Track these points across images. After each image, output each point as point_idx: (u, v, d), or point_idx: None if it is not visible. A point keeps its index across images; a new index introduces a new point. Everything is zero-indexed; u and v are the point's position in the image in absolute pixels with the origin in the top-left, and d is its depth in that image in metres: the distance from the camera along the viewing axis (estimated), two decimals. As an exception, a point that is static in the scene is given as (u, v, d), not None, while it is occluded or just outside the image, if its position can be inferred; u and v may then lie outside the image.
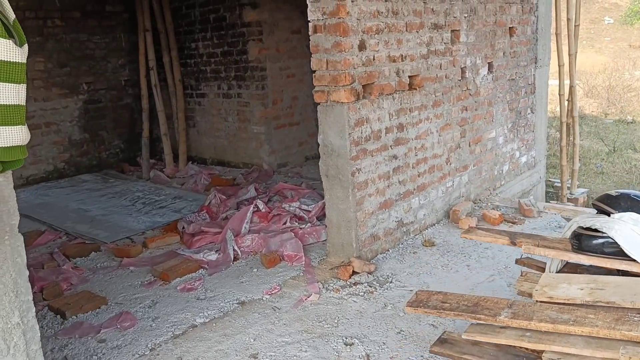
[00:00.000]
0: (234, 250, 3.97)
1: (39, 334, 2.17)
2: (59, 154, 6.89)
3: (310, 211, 4.45)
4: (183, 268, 3.74)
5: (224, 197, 5.05)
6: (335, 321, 3.02)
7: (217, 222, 4.51)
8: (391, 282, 3.47)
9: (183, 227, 4.49)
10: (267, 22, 6.42)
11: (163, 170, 6.90)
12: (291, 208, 4.50)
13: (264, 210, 4.46)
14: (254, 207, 4.44)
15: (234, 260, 3.90)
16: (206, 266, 3.81)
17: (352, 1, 3.42)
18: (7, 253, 2.02)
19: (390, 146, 3.90)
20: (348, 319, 3.04)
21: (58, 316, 3.25)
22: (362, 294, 3.31)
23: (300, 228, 4.19)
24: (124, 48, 7.39)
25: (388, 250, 3.95)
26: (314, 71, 3.59)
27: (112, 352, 2.84)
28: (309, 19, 3.54)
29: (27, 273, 2.10)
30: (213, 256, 3.91)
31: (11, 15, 1.94)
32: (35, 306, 3.37)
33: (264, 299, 3.33)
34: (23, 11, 6.42)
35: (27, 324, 2.11)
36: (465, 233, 2.82)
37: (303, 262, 3.76)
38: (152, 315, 3.21)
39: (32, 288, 3.50)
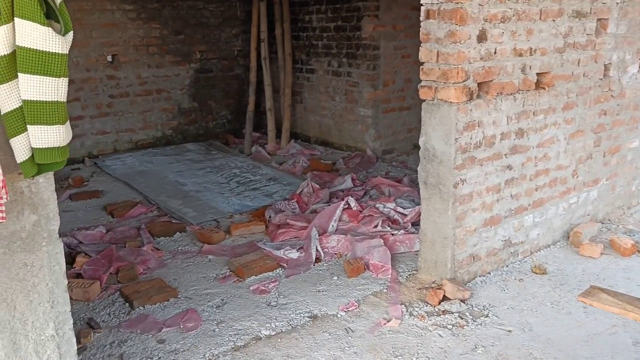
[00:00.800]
0: (316, 250, 3.66)
1: (75, 347, 1.99)
2: (168, 121, 6.96)
3: (405, 215, 4.01)
4: (260, 265, 3.49)
5: (317, 186, 4.74)
6: (414, 358, 2.62)
7: (305, 215, 4.22)
8: (487, 315, 2.98)
9: (270, 216, 4.25)
10: (385, -3, 5.93)
11: (265, 146, 6.75)
12: (385, 209, 4.09)
13: (355, 208, 4.09)
14: (344, 204, 4.09)
15: (315, 262, 3.60)
16: (285, 265, 3.54)
17: (475, -17, 2.88)
18: (43, 260, 1.84)
19: (505, 155, 3.34)
20: (428, 358, 2.62)
21: (126, 304, 3.14)
22: (451, 327, 2.87)
23: (392, 234, 3.78)
24: (238, 17, 7.25)
25: (489, 273, 3.44)
26: (422, 63, 3.11)
27: (168, 356, 2.66)
28: (421, 2, 3.05)
29: (66, 282, 1.91)
30: (294, 254, 3.63)
31: (58, -4, 1.70)
32: (108, 288, 3.31)
33: (338, 315, 3.00)
34: (143, -24, 6.45)
35: (63, 337, 1.94)
36: (585, 296, 2.27)
37: (389, 276, 3.37)
38: (217, 318, 3.00)
39: (109, 268, 3.45)
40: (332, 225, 3.92)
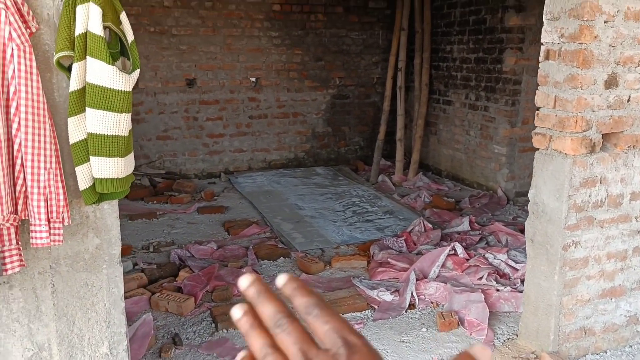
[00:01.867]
0: (412, 295, 3.46)
1: (127, 368, 2.07)
2: (301, 144, 7.15)
3: (517, 270, 3.65)
4: (349, 304, 3.39)
5: (430, 225, 4.51)
6: None
7: (410, 255, 4.03)
8: (590, 403, 2.57)
9: (374, 252, 4.13)
10: (531, 29, 5.54)
11: (392, 176, 6.63)
12: (495, 261, 3.75)
13: (461, 255, 3.82)
14: (450, 250, 3.83)
15: (408, 308, 3.41)
16: (375, 307, 3.40)
17: (604, 22, 2.53)
18: (103, 282, 1.94)
19: (636, 217, 2.89)
20: None
21: (213, 325, 3.23)
22: (541, 409, 2.52)
23: (497, 289, 3.45)
24: (380, 45, 7.26)
25: (605, 352, 2.98)
26: (538, 108, 2.82)
27: (235, 386, 2.67)
28: (541, 40, 2.76)
29: (123, 305, 2.00)
30: (388, 296, 3.48)
31: (130, 36, 1.80)
32: (201, 305, 3.44)
33: (416, 372, 2.79)
34: (290, 5, 6.73)
35: (117, 356, 2.02)
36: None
37: (484, 337, 3.07)
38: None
39: (207, 286, 3.59)
40: (434, 271, 3.69)
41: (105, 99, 1.70)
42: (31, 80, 1.64)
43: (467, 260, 3.78)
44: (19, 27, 1.61)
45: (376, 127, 7.27)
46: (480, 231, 4.52)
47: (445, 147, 6.74)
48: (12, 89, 1.61)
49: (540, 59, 2.77)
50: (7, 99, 1.62)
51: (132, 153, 1.85)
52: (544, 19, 2.72)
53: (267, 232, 4.81)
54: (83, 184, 1.78)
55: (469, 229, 4.56)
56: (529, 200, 2.91)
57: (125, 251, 4.22)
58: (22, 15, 1.66)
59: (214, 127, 6.67)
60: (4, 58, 1.59)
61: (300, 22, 6.82)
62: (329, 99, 7.18)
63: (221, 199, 5.86)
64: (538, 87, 2.79)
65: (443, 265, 3.75)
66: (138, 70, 1.79)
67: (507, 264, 3.69)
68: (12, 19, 1.60)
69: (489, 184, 6.04)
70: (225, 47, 6.53)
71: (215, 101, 6.62)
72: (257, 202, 5.59)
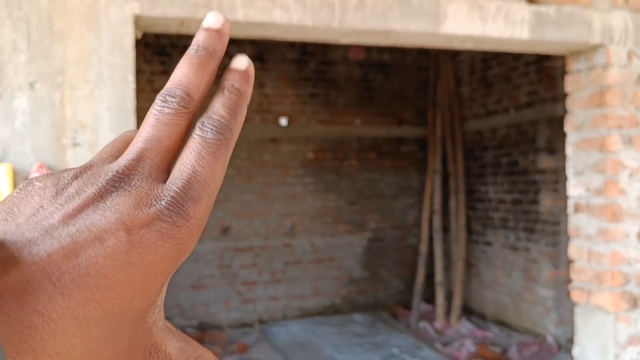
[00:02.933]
0: None
1: None
2: (338, 289, 6.98)
3: None
4: None
5: (473, 383, 4.16)
6: None
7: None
8: None
9: (412, 415, 3.79)
10: (564, 171, 5.47)
11: (433, 322, 6.30)
12: None
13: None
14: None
15: None
16: None
17: (629, 175, 2.45)
18: None
19: (700, 381, 2.56)
20: None
21: None
22: None
23: None
24: (414, 188, 7.30)
25: None
26: (571, 261, 2.66)
27: None
28: (568, 193, 2.69)
29: None
30: None
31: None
32: None
33: None
34: (324, 152, 6.96)
35: None
36: None
37: None
38: None
39: None
40: None
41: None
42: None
43: None
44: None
45: (414, 270, 7.07)
46: (530, 389, 4.13)
47: (488, 290, 6.45)
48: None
49: (570, 211, 2.68)
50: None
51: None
52: (567, 173, 2.67)
53: (298, 390, 4.53)
54: None
55: (517, 385, 4.17)
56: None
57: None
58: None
59: (248, 274, 6.63)
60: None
61: (334, 168, 6.99)
62: (365, 243, 7.11)
63: (254, 351, 5.64)
64: (569, 241, 2.67)
65: None
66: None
67: None
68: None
69: (537, 329, 5.64)
70: (260, 194, 6.69)
71: (250, 248, 6.64)
72: (291, 355, 5.35)
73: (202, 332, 5.99)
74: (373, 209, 7.16)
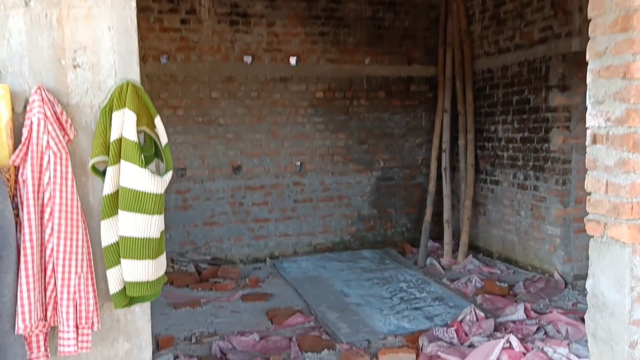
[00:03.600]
0: (464, 395, 3.22)
1: None
2: (347, 227, 7.08)
3: (580, 365, 3.36)
4: (397, 403, 3.17)
5: (482, 314, 4.27)
6: None
7: (461, 348, 3.79)
8: None
9: (422, 344, 3.92)
10: (577, 108, 5.43)
11: (441, 259, 6.42)
12: (556, 355, 3.48)
13: (517, 349, 3.55)
14: (505, 342, 3.58)
15: (461, 409, 3.16)
16: (425, 408, 3.17)
17: (652, 103, 2.43)
18: (132, 389, 1.87)
19: None
20: None
21: None
22: None
23: (559, 389, 3.17)
24: (423, 127, 7.27)
25: None
26: (589, 193, 2.68)
27: None
28: (587, 124, 2.67)
29: (152, 413, 1.91)
30: (438, 396, 3.24)
31: (164, 139, 1.82)
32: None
33: None
34: (333, 92, 6.89)
35: None
36: None
37: None
38: None
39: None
40: (488, 367, 3.44)
41: (137, 201, 1.70)
42: (66, 186, 1.66)
43: (524, 354, 3.51)
44: (57, 135, 1.66)
45: (423, 209, 7.14)
46: (537, 320, 4.24)
47: (496, 228, 6.53)
48: (46, 195, 1.63)
49: (587, 142, 2.67)
50: (42, 205, 1.64)
51: (164, 254, 1.83)
52: (587, 103, 2.64)
53: (311, 321, 4.67)
54: (114, 287, 1.76)
55: (525, 317, 4.29)
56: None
57: (168, 343, 4.16)
58: (60, 124, 1.71)
59: (259, 212, 6.71)
60: (40, 165, 1.63)
61: (343, 108, 6.94)
62: (373, 182, 7.15)
63: (266, 285, 5.78)
64: (587, 172, 2.67)
65: (497, 360, 3.50)
66: (171, 172, 1.80)
67: (569, 359, 3.41)
68: (50, 128, 1.65)
69: (544, 267, 5.75)
70: (270, 134, 6.68)
71: (261, 186, 6.69)
72: (301, 288, 5.48)
73: (216, 267, 6.12)
74: (382, 149, 7.16)
